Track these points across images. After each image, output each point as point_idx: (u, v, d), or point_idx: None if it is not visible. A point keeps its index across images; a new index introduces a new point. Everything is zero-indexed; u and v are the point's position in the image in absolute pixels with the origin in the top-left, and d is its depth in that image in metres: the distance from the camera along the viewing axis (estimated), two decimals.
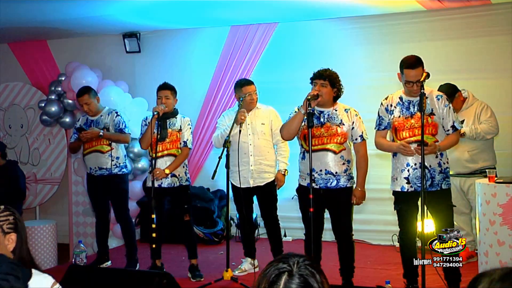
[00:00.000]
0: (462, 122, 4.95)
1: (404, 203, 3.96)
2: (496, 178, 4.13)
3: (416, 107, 3.88)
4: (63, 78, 6.55)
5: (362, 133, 4.18)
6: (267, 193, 4.82)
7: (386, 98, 4.07)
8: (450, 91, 4.91)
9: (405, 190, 3.94)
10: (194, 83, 6.61)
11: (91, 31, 6.72)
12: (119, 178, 5.14)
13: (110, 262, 5.31)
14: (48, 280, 2.14)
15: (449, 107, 3.91)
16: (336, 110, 4.18)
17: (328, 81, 4.11)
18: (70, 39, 7.07)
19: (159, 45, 6.87)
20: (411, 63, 3.81)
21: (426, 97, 3.78)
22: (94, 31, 6.75)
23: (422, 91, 3.64)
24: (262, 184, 4.77)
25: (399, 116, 3.95)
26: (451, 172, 4.54)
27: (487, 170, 4.36)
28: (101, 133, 5.01)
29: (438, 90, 4.91)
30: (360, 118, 4.20)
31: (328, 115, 4.15)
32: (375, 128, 4.12)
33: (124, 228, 5.23)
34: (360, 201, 4.18)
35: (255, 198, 4.93)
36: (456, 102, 5.00)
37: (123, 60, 6.92)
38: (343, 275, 4.25)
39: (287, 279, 1.38)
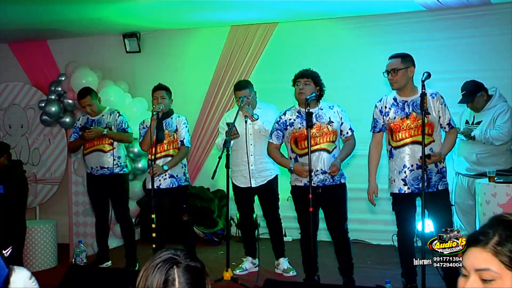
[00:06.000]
0: (479, 123, 4.86)
1: (402, 204, 3.96)
2: (496, 178, 4.11)
3: (410, 107, 3.89)
4: (63, 78, 6.54)
5: (350, 125, 4.29)
6: (269, 192, 4.83)
7: (380, 100, 4.08)
8: (473, 89, 4.81)
9: (403, 191, 3.94)
10: (194, 83, 6.61)
11: (91, 31, 6.71)
12: (120, 177, 5.14)
13: (110, 262, 5.31)
14: (24, 272, 2.17)
15: (444, 105, 3.91)
16: (322, 109, 4.25)
17: (311, 78, 4.19)
18: (70, 39, 7.05)
19: (159, 45, 6.86)
20: (392, 55, 3.97)
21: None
22: (94, 31, 6.75)
23: (423, 91, 3.64)
24: (264, 182, 4.79)
25: (395, 118, 3.94)
26: (460, 171, 4.50)
27: (487, 171, 4.30)
28: (105, 132, 5.00)
29: (462, 87, 4.88)
30: (344, 112, 4.30)
31: (316, 114, 4.18)
32: (370, 130, 4.13)
33: (124, 228, 5.23)
34: (333, 171, 4.08)
35: (255, 198, 4.93)
36: (478, 101, 4.87)
37: (123, 60, 6.91)
38: (343, 273, 4.28)
39: (179, 270, 1.45)
